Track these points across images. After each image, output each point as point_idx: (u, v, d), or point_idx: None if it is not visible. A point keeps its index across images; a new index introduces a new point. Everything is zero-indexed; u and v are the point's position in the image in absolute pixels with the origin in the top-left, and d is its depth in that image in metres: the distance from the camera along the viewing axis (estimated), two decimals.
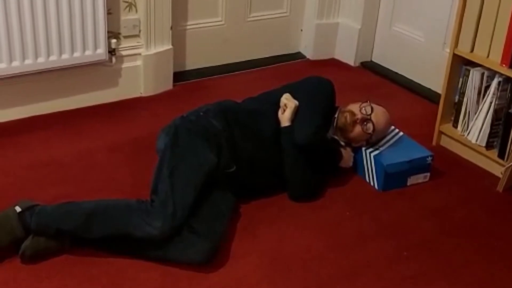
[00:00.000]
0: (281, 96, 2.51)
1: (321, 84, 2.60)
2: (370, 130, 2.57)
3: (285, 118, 2.46)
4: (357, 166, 2.70)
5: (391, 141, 2.71)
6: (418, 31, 3.57)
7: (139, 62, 3.22)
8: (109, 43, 3.03)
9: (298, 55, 3.95)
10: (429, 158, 2.67)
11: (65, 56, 2.88)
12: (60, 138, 2.83)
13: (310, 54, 3.92)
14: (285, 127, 2.46)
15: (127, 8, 3.10)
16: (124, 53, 3.16)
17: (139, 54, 3.21)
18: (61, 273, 2.05)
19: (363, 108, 2.57)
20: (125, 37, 3.14)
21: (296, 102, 2.48)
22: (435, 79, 3.33)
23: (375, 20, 3.81)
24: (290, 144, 2.43)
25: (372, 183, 2.65)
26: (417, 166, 2.65)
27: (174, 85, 3.40)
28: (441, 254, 2.28)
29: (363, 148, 2.66)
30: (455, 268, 2.22)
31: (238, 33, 3.69)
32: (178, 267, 2.10)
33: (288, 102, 2.48)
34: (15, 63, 2.77)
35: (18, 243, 2.06)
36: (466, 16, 2.73)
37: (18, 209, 2.09)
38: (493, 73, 2.70)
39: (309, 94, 2.52)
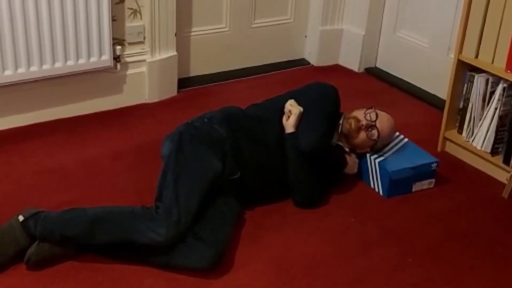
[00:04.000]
0: (285, 102, 2.51)
1: (325, 90, 2.59)
2: (375, 137, 2.57)
3: (289, 124, 2.46)
4: (362, 173, 2.70)
5: (396, 147, 2.71)
6: (422, 37, 3.57)
7: (143, 69, 3.23)
8: (114, 50, 3.04)
9: (303, 61, 3.95)
10: (434, 165, 2.66)
11: (70, 62, 2.89)
12: (65, 145, 2.84)
13: (314, 60, 3.92)
14: (290, 134, 2.46)
15: (132, 15, 3.11)
16: (128, 59, 3.17)
17: (144, 60, 3.22)
18: (66, 279, 2.05)
19: (368, 115, 2.57)
20: (130, 43, 3.15)
21: (301, 109, 2.48)
22: (439, 85, 3.33)
23: (379, 26, 3.82)
24: (295, 151, 2.43)
25: (377, 190, 2.65)
26: (422, 173, 2.65)
27: (178, 92, 3.41)
28: (446, 260, 2.28)
29: (368, 155, 2.65)
30: (460, 275, 2.21)
31: (242, 40, 3.69)
32: (182, 273, 2.10)
33: (293, 109, 2.48)
34: (21, 70, 2.78)
35: (23, 251, 2.06)
36: (470, 22, 2.73)
37: (21, 218, 2.09)
38: (497, 79, 2.70)
39: (314, 101, 2.52)
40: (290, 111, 2.48)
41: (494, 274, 2.23)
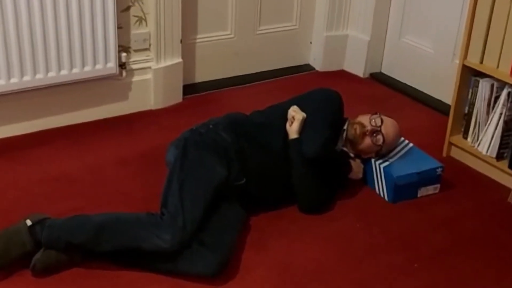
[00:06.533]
0: (289, 108, 2.52)
1: (328, 95, 2.60)
2: (380, 142, 2.57)
3: (293, 130, 2.46)
4: (367, 178, 2.69)
5: (401, 153, 2.71)
6: (427, 42, 3.57)
7: (149, 76, 3.24)
8: (120, 57, 3.05)
9: (308, 67, 3.96)
10: (439, 170, 2.66)
11: (75, 70, 2.90)
12: (70, 152, 2.85)
13: (319, 66, 3.93)
14: (293, 140, 2.46)
15: (137, 22, 3.13)
16: (134, 66, 3.18)
17: (149, 67, 3.23)
18: (71, 286, 2.06)
19: (373, 120, 2.57)
20: (135, 51, 3.17)
21: (304, 114, 2.48)
22: (444, 90, 3.33)
23: (384, 32, 3.82)
24: (299, 157, 2.43)
25: (382, 195, 2.65)
26: (427, 178, 2.64)
27: (183, 98, 3.42)
28: (452, 266, 2.27)
29: (373, 160, 2.65)
30: (466, 281, 2.21)
31: (248, 46, 3.70)
32: (187, 280, 2.10)
33: (296, 114, 2.48)
34: (26, 78, 2.79)
35: (29, 256, 2.07)
36: (475, 27, 2.73)
37: (29, 222, 2.10)
38: (502, 84, 2.69)
39: (317, 106, 2.53)
40: (293, 117, 2.48)
41: (500, 280, 2.22)
